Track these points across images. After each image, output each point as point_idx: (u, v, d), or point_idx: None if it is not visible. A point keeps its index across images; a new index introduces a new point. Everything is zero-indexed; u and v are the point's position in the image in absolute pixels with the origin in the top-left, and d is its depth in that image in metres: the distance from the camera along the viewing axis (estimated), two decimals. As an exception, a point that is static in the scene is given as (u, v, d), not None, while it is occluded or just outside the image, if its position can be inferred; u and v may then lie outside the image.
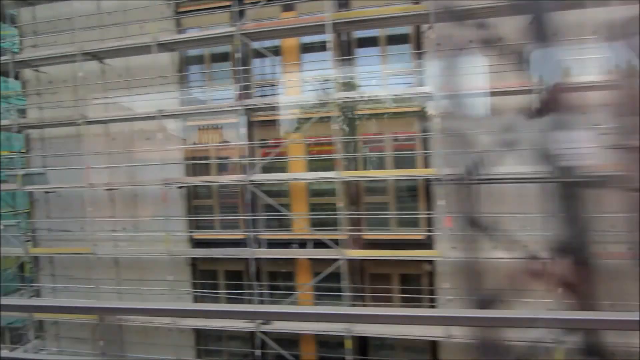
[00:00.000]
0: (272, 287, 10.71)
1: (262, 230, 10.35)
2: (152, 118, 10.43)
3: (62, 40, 11.76)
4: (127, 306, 6.04)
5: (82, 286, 11.73)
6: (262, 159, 10.12)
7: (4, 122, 12.03)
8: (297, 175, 10.04)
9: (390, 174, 9.67)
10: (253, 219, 10.11)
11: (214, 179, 10.61)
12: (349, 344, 9.54)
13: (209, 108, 10.73)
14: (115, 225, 11.59)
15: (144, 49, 10.65)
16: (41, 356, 12.36)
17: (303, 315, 4.44)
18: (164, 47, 10.62)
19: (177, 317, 9.77)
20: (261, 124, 10.58)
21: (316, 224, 10.18)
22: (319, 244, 10.21)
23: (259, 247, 10.37)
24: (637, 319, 2.04)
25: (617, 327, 2.31)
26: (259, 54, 10.80)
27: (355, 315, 4.62)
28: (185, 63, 11.45)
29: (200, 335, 11.43)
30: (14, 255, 13.31)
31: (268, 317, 8.74)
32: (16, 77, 12.66)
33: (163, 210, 10.98)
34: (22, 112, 12.79)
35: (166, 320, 10.36)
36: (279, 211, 10.16)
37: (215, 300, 11.23)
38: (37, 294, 12.36)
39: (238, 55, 9.89)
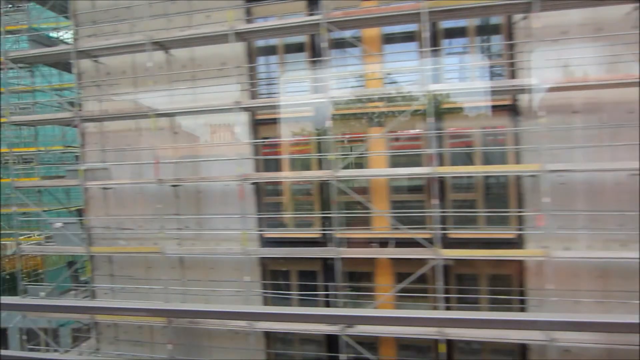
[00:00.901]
0: (353, 289, 10.25)
1: (344, 228, 9.85)
2: (228, 110, 9.92)
3: (122, 30, 11.29)
4: (205, 309, 5.42)
5: (141, 286, 11.27)
6: (348, 154, 9.64)
7: (62, 115, 11.51)
8: (388, 171, 9.51)
9: (489, 169, 9.21)
10: (338, 217, 9.61)
11: (297, 175, 10.08)
12: (442, 348, 9.10)
13: (285, 101, 10.23)
14: (178, 222, 11.09)
15: (216, 39, 10.17)
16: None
17: (393, 319, 3.98)
18: (238, 36, 10.13)
19: (259, 320, 9.30)
20: (342, 117, 10.11)
21: (400, 222, 9.73)
22: (401, 242, 9.79)
23: (339, 246, 9.91)
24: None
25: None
26: (334, 45, 10.34)
27: (449, 319, 4.13)
28: (254, 54, 10.97)
29: (270, 338, 10.95)
30: (65, 254, 12.81)
31: (355, 321, 8.27)
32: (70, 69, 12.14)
33: (232, 207, 10.52)
34: (72, 105, 12.25)
35: (241, 323, 9.90)
36: (362, 208, 9.70)
37: (287, 301, 10.76)
38: (93, 294, 11.82)
39: (324, 44, 9.39)
